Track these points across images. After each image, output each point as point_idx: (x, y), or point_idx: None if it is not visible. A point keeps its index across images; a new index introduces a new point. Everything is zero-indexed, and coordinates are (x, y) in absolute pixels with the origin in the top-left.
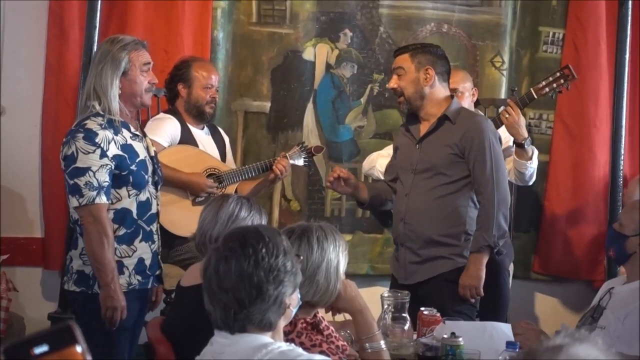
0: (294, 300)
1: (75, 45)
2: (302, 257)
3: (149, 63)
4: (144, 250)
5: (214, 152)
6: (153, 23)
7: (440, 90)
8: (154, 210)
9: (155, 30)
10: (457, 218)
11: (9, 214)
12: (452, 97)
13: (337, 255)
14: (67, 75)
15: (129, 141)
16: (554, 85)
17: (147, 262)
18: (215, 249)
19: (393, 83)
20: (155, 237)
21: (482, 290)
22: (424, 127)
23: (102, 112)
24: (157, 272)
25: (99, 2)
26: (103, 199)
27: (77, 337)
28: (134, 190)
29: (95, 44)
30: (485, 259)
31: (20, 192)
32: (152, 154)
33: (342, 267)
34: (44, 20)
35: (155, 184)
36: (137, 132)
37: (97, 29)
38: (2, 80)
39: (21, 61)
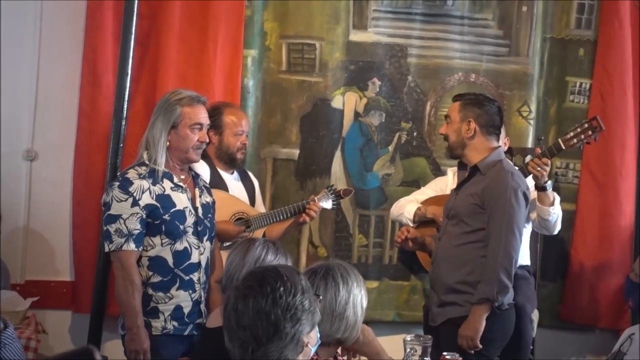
0: (312, 338)
1: (108, 91)
2: (321, 297)
3: (200, 124)
4: (182, 299)
5: (243, 197)
6: (184, 70)
7: (482, 142)
8: (194, 259)
9: (186, 77)
10: (474, 267)
11: (40, 258)
12: (496, 148)
13: (360, 290)
14: (100, 120)
15: (167, 191)
16: (582, 136)
17: (186, 310)
18: (235, 287)
19: (442, 129)
20: (197, 286)
21: (478, 342)
22: (463, 176)
23: (147, 162)
24: (198, 321)
25: (132, 49)
26: (131, 246)
27: None
28: (167, 239)
29: (127, 90)
30: (485, 312)
31: (51, 236)
32: (198, 204)
33: (365, 302)
34: (77, 66)
35: (198, 234)
36: (181, 184)
37: (129, 75)
38: (35, 125)
39: (55, 107)
